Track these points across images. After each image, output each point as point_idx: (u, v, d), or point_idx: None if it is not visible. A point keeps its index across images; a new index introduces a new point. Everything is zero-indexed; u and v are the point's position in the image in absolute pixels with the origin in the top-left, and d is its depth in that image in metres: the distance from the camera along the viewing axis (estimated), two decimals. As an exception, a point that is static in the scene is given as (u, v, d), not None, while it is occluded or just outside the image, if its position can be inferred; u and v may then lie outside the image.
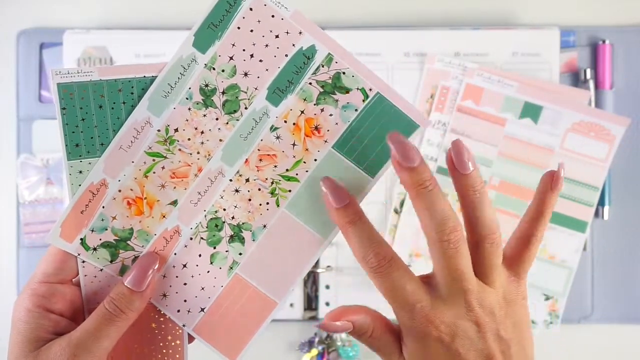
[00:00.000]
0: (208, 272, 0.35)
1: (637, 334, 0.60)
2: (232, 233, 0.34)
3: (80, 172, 0.34)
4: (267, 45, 0.33)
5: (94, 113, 0.33)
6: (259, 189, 0.34)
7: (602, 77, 0.59)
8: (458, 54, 0.59)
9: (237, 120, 0.34)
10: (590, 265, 0.59)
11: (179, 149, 0.34)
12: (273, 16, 0.33)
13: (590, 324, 0.59)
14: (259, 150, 0.34)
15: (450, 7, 0.62)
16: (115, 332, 0.32)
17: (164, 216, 0.34)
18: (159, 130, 0.34)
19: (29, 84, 0.61)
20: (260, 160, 0.34)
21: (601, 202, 0.58)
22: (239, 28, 0.33)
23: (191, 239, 0.34)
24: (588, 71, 0.59)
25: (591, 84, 0.59)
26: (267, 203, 0.34)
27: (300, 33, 0.33)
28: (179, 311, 0.34)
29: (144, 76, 0.34)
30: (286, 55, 0.33)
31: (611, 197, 0.59)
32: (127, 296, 0.32)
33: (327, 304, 0.58)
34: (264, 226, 0.34)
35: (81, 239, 0.34)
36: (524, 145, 0.57)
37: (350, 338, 0.59)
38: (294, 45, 0.33)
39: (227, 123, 0.34)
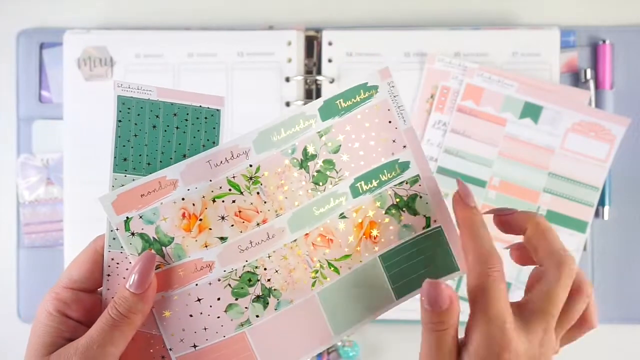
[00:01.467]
0: (218, 317, 0.34)
1: (637, 334, 0.60)
2: (261, 294, 0.34)
3: (122, 186, 0.33)
4: (372, 143, 0.35)
5: (147, 131, 0.34)
6: (305, 267, 0.35)
7: (602, 77, 0.59)
8: (458, 54, 0.59)
9: (319, 192, 0.34)
10: (590, 265, 0.59)
11: (257, 192, 0.34)
12: (390, 122, 0.35)
13: (591, 324, 0.59)
14: (322, 229, 0.35)
15: (450, 7, 0.62)
16: (120, 337, 0.32)
17: (206, 246, 0.34)
18: (250, 166, 0.34)
19: (29, 84, 0.61)
20: (319, 239, 0.35)
21: (601, 202, 0.58)
22: (359, 117, 0.34)
23: (219, 280, 0.34)
24: (588, 71, 0.59)
25: (591, 84, 0.59)
26: (305, 282, 0.35)
27: (404, 147, 0.35)
28: (172, 335, 0.34)
29: (200, 106, 0.34)
30: (383, 159, 0.35)
31: (611, 197, 0.59)
32: (129, 299, 0.32)
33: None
34: (291, 301, 0.35)
35: (127, 218, 0.33)
36: (524, 146, 0.57)
37: (351, 338, 0.59)
38: (393, 154, 0.35)
39: (309, 191, 0.34)
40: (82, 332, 0.32)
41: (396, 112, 0.35)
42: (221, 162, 0.33)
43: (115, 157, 0.33)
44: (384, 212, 0.35)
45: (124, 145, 0.33)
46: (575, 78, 0.60)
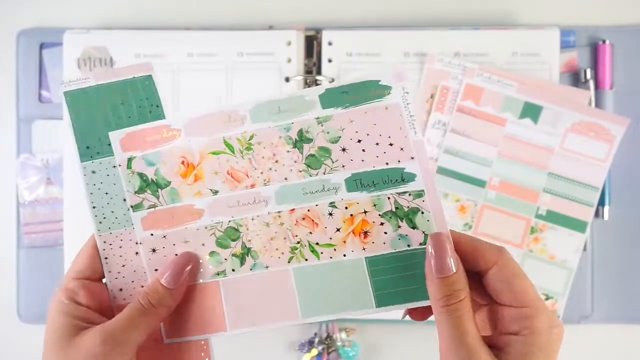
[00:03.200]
0: (200, 261, 0.36)
1: (638, 334, 0.60)
2: (241, 251, 0.36)
3: (93, 172, 0.36)
4: (377, 144, 0.34)
5: (97, 115, 0.36)
6: (284, 238, 0.35)
7: (602, 77, 0.59)
8: (458, 54, 0.59)
9: (310, 176, 0.35)
10: (590, 265, 0.59)
11: (249, 159, 0.35)
12: (400, 129, 0.34)
13: (590, 324, 0.59)
14: (308, 210, 0.35)
15: (450, 7, 0.62)
16: (145, 325, 0.33)
17: (199, 194, 0.35)
18: (245, 132, 0.35)
19: (29, 84, 0.61)
20: (304, 219, 0.35)
21: (601, 202, 0.58)
22: (365, 112, 0.34)
23: (206, 228, 0.36)
24: (588, 71, 0.59)
25: (591, 84, 0.59)
26: (282, 253, 0.35)
27: (412, 158, 0.34)
28: (156, 270, 0.36)
29: (134, 77, 0.36)
30: (387, 164, 0.34)
31: (611, 197, 0.59)
32: (160, 292, 0.34)
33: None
34: (267, 267, 0.35)
35: (130, 157, 0.36)
36: (524, 146, 0.57)
37: (351, 338, 0.59)
38: (399, 161, 0.34)
39: (300, 171, 0.35)
40: (93, 316, 0.34)
41: (407, 121, 0.34)
42: (220, 122, 0.35)
43: (78, 148, 0.36)
44: (379, 214, 0.35)
45: (82, 135, 0.36)
46: (575, 78, 0.60)
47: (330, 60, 0.59)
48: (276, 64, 0.59)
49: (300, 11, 0.62)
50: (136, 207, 0.36)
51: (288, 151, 0.35)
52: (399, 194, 0.34)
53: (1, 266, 0.61)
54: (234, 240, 0.36)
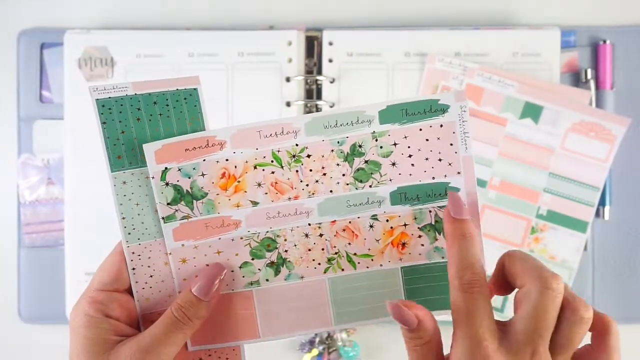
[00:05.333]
0: (232, 271, 0.36)
1: (637, 334, 0.60)
2: (276, 261, 0.36)
3: (124, 182, 0.35)
4: (427, 159, 0.35)
5: (132, 126, 0.35)
6: (323, 249, 0.36)
7: (603, 77, 0.59)
8: (458, 54, 0.59)
9: (357, 189, 0.35)
10: (591, 265, 0.59)
11: (296, 171, 0.35)
12: (451, 145, 0.35)
13: (591, 324, 0.59)
14: (349, 222, 0.36)
15: (450, 7, 0.62)
16: (182, 338, 0.33)
17: (238, 206, 0.35)
18: (296, 145, 0.35)
19: (30, 84, 0.61)
20: (344, 230, 0.36)
21: (602, 202, 0.58)
22: (420, 130, 0.35)
23: (241, 238, 0.36)
24: (589, 71, 0.59)
25: (592, 84, 0.59)
26: (319, 264, 0.36)
27: (458, 173, 0.35)
28: (184, 280, 0.36)
29: (177, 89, 0.35)
30: (433, 178, 0.35)
31: (612, 197, 0.59)
32: (194, 304, 0.33)
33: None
34: (302, 277, 0.36)
35: (166, 168, 0.35)
36: (524, 145, 0.57)
37: (351, 338, 0.59)
38: (445, 176, 0.35)
39: (348, 184, 0.35)
40: (125, 329, 0.34)
41: (460, 137, 0.35)
42: (271, 134, 0.35)
43: (109, 158, 0.35)
44: (419, 227, 0.35)
45: (114, 145, 0.35)
46: (576, 78, 0.60)
47: (330, 60, 0.59)
48: (277, 64, 0.59)
49: (301, 11, 0.62)
50: (168, 219, 0.35)
51: (338, 164, 0.35)
52: (440, 207, 0.35)
53: (2, 266, 0.61)
54: (269, 250, 0.36)
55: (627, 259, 0.59)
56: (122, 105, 0.35)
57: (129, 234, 0.35)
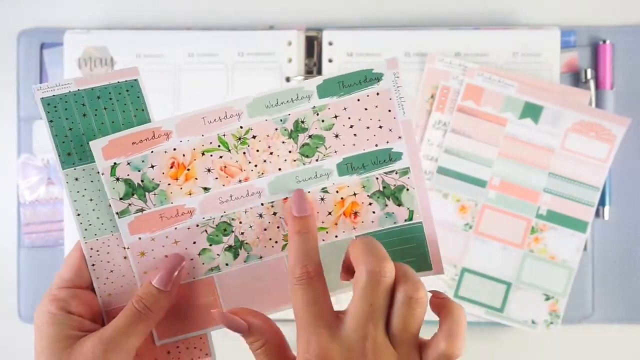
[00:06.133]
0: (192, 259, 0.36)
1: (638, 334, 0.60)
2: (233, 244, 0.36)
3: (76, 179, 0.35)
4: (368, 127, 0.36)
5: (79, 122, 0.35)
6: (278, 227, 0.36)
7: (603, 77, 0.59)
8: (458, 54, 0.59)
9: (304, 164, 0.36)
10: (590, 265, 0.59)
11: (244, 152, 0.36)
12: (389, 111, 0.35)
13: (591, 324, 0.59)
14: None
15: (450, 7, 0.62)
16: (144, 329, 0.33)
17: (190, 194, 0.36)
18: (241, 127, 0.35)
19: (30, 84, 0.61)
20: None
21: (602, 202, 0.58)
22: (358, 100, 0.36)
23: (197, 225, 0.36)
24: (589, 71, 0.59)
25: (592, 84, 0.59)
26: (276, 242, 0.36)
27: (399, 137, 0.36)
28: (145, 273, 0.36)
29: (118, 82, 0.35)
30: (376, 145, 0.36)
31: (612, 197, 0.59)
32: (154, 295, 0.34)
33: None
34: (260, 257, 0.36)
35: (115, 163, 0.35)
36: (524, 146, 0.57)
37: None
38: (387, 142, 0.36)
39: (295, 161, 0.36)
40: (88, 325, 0.34)
41: (397, 103, 0.35)
42: (215, 119, 0.35)
43: (59, 156, 0.35)
44: (368, 195, 0.36)
45: (63, 142, 0.35)
46: (576, 78, 0.60)
47: (330, 60, 0.59)
48: (277, 64, 0.59)
49: (301, 11, 0.62)
50: (122, 213, 0.35)
51: (283, 142, 0.35)
52: (386, 173, 0.36)
53: (1, 266, 0.61)
54: (226, 235, 0.36)
55: (627, 259, 0.59)
56: (66, 102, 0.35)
57: (86, 230, 0.35)
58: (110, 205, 0.35)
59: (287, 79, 0.58)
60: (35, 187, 0.60)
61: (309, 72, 0.60)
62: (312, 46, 0.60)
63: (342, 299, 0.35)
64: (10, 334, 0.61)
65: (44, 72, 0.61)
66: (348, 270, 0.34)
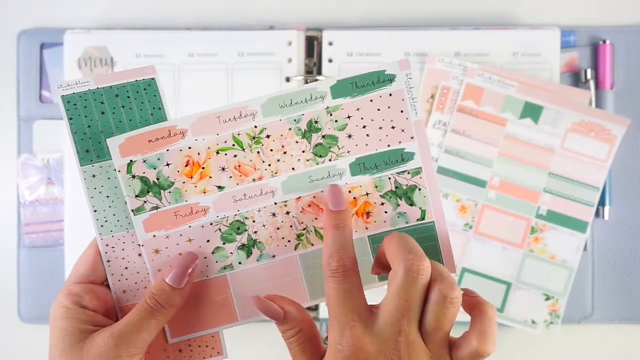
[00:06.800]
0: (205, 257, 0.36)
1: (638, 334, 0.60)
2: (246, 243, 0.36)
3: (94, 175, 0.36)
4: (380, 128, 0.36)
5: (97, 119, 0.36)
6: (291, 226, 0.36)
7: (603, 77, 0.59)
8: (458, 54, 0.59)
9: (317, 164, 0.36)
10: (590, 265, 0.59)
11: (257, 152, 0.36)
12: (402, 111, 0.36)
13: (591, 324, 0.59)
14: (314, 197, 0.36)
15: (450, 7, 0.62)
16: (155, 325, 0.34)
17: (204, 192, 0.36)
18: (255, 127, 0.36)
19: (30, 84, 0.61)
20: (309, 205, 0.36)
21: (602, 202, 0.58)
22: (371, 101, 0.36)
23: (211, 224, 0.36)
24: (588, 71, 0.59)
25: (592, 84, 0.59)
26: (289, 241, 0.36)
27: (411, 138, 0.36)
28: (159, 271, 0.36)
29: (136, 80, 0.36)
30: (388, 146, 0.36)
31: (612, 197, 0.59)
32: (167, 292, 0.34)
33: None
34: (273, 256, 0.37)
35: (131, 161, 0.35)
36: (524, 146, 0.57)
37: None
38: (400, 142, 0.36)
39: (308, 160, 0.36)
40: (101, 320, 0.34)
41: (409, 103, 0.36)
42: (229, 119, 0.36)
43: (77, 152, 0.36)
44: (380, 195, 0.36)
45: (81, 139, 0.36)
46: (576, 78, 0.60)
47: (330, 61, 0.59)
48: (277, 64, 0.59)
49: (301, 11, 0.62)
50: (137, 210, 0.36)
51: (297, 142, 0.36)
52: (398, 173, 0.36)
53: (2, 266, 0.61)
54: (239, 233, 0.36)
55: (627, 259, 0.59)
56: (86, 100, 0.35)
57: (102, 226, 0.36)
58: (126, 203, 0.36)
59: (287, 79, 0.58)
60: (35, 187, 0.60)
61: (309, 72, 0.60)
62: (312, 46, 0.60)
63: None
64: (10, 334, 0.61)
65: (44, 72, 0.61)
66: (381, 265, 0.34)
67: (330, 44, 0.59)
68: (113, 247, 0.36)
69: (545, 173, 0.57)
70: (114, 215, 0.36)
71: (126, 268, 0.36)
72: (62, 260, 0.59)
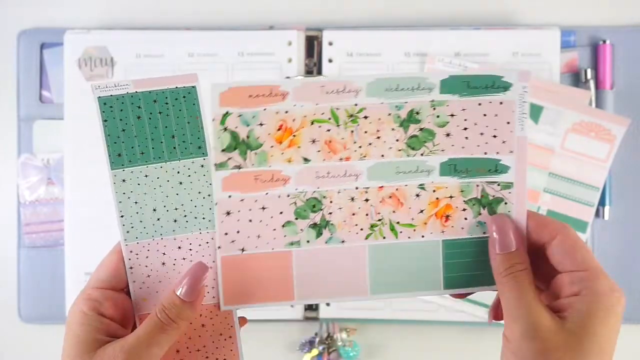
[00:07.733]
0: (274, 229, 0.35)
1: (638, 334, 0.60)
2: (319, 222, 0.35)
3: (124, 180, 0.35)
4: (482, 134, 0.35)
5: (132, 124, 0.35)
6: (367, 214, 0.35)
7: (603, 77, 0.59)
8: (458, 54, 0.59)
9: (408, 156, 0.35)
10: (590, 265, 0.59)
11: (352, 131, 0.35)
12: (508, 123, 0.35)
13: (591, 324, 0.59)
14: (396, 190, 0.35)
15: (450, 7, 0.62)
16: (166, 340, 0.33)
17: (289, 161, 0.35)
18: (355, 105, 0.34)
19: (30, 84, 0.61)
20: (390, 197, 0.35)
21: (602, 202, 0.58)
22: (479, 104, 0.35)
23: (288, 196, 0.35)
24: (588, 71, 0.59)
25: (592, 84, 0.59)
26: (361, 229, 0.35)
27: (510, 152, 0.35)
28: (226, 234, 0.35)
29: (176, 87, 0.35)
30: (485, 153, 0.35)
31: (612, 197, 0.59)
32: (178, 306, 0.33)
33: (328, 304, 0.58)
34: (343, 241, 0.35)
35: (227, 112, 0.34)
36: (524, 145, 0.57)
37: (351, 338, 0.59)
38: (497, 153, 0.35)
39: (399, 150, 0.35)
40: (116, 329, 0.34)
41: (518, 117, 0.35)
42: (333, 91, 0.34)
43: (109, 156, 0.35)
44: (464, 200, 0.35)
45: (115, 142, 0.35)
46: (576, 78, 0.60)
47: (330, 61, 0.59)
48: (277, 64, 0.59)
49: (301, 11, 0.62)
50: (220, 166, 0.35)
51: (393, 129, 0.35)
52: (488, 182, 0.35)
53: (2, 266, 0.61)
54: (314, 211, 0.35)
55: (627, 259, 0.59)
56: (123, 103, 0.34)
57: (127, 232, 0.35)
58: (154, 210, 0.35)
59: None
60: (35, 187, 0.60)
61: (309, 72, 0.60)
62: (312, 46, 0.60)
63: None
64: (10, 334, 0.61)
65: (44, 72, 0.61)
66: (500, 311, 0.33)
67: (331, 44, 0.59)
68: (137, 254, 0.35)
69: (545, 173, 0.57)
70: (140, 222, 0.35)
71: (148, 276, 0.35)
72: (62, 260, 0.59)
